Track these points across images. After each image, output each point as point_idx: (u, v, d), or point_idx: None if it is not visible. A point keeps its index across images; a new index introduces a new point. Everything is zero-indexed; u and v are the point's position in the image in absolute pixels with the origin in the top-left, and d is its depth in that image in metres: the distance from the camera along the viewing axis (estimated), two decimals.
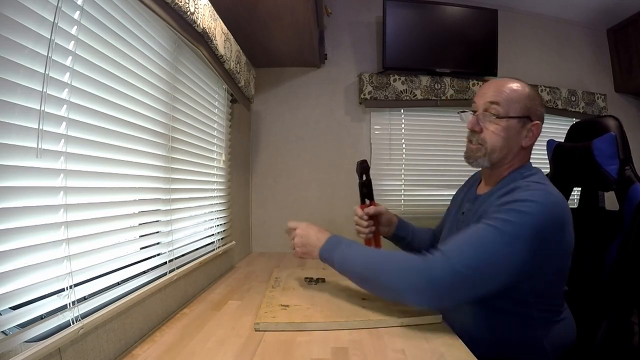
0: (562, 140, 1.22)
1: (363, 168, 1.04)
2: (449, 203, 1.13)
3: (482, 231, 0.72)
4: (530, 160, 0.90)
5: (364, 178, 1.05)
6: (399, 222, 1.13)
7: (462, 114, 0.95)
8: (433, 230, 1.19)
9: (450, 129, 1.96)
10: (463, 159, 0.91)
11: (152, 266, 0.85)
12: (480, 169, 0.97)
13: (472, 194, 0.98)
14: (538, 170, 0.87)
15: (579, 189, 1.22)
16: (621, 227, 0.97)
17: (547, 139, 1.26)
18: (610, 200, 1.10)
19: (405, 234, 1.14)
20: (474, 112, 0.88)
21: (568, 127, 1.23)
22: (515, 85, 0.86)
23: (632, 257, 0.91)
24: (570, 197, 1.29)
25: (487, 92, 0.86)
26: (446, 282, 0.69)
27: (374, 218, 1.07)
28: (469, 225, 0.78)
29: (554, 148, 1.20)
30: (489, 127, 0.85)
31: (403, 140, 1.95)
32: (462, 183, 1.11)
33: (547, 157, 1.25)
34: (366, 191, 1.05)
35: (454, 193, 1.13)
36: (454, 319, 0.82)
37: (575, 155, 1.11)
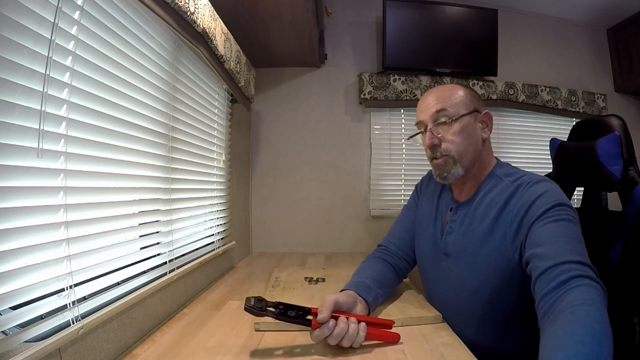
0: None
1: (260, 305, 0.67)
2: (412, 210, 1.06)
3: (567, 228, 0.69)
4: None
5: (275, 310, 0.68)
6: (366, 297, 0.81)
7: (414, 137, 0.91)
8: (383, 261, 0.99)
9: None
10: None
11: (152, 266, 0.85)
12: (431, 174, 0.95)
13: (449, 201, 0.93)
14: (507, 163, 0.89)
15: (582, 188, 1.21)
16: (624, 228, 0.97)
17: (550, 138, 1.25)
18: (613, 201, 1.10)
19: (375, 302, 0.84)
20: (424, 130, 0.86)
21: (568, 127, 1.23)
22: (449, 88, 0.86)
23: (634, 259, 0.91)
24: (573, 197, 1.28)
25: (428, 104, 0.85)
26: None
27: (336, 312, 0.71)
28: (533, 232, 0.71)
29: (556, 147, 1.19)
30: (447, 135, 0.83)
31: (403, 140, 1.95)
32: None
33: (549, 156, 1.24)
34: (292, 313, 0.68)
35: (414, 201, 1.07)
36: (462, 335, 0.76)
37: (579, 154, 1.10)
